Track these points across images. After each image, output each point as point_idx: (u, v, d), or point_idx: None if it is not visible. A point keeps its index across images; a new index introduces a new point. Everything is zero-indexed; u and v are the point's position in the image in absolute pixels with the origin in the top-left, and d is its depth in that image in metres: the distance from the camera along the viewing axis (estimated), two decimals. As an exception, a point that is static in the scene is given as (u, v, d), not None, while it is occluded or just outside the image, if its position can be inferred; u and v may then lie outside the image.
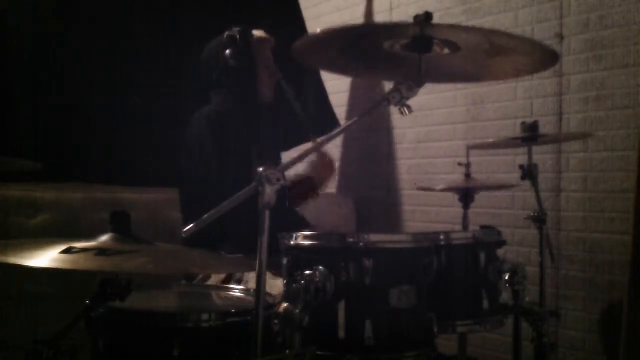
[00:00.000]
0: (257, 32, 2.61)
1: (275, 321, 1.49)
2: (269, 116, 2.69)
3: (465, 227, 2.59)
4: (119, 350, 1.52)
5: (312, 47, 1.70)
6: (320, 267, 1.62)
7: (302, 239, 1.74)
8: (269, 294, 1.66)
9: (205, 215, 1.37)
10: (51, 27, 3.21)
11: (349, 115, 4.10)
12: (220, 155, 2.41)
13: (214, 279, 2.30)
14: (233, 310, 1.53)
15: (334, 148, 4.14)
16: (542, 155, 2.94)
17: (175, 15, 3.50)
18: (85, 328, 1.45)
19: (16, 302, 2.69)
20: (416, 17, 1.48)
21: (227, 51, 2.53)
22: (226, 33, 2.57)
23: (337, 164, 2.83)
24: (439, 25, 1.54)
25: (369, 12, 4.07)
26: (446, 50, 1.63)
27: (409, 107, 1.57)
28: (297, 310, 1.51)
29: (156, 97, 3.32)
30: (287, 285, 1.58)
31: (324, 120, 3.80)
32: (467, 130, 3.46)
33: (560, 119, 3.06)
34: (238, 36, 2.54)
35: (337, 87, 4.10)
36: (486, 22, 3.32)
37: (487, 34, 1.65)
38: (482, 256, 1.91)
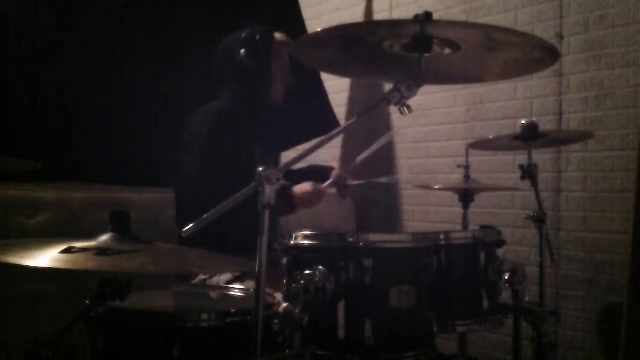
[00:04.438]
0: (278, 35, 2.55)
1: (275, 321, 1.49)
2: (277, 118, 2.63)
3: (465, 227, 2.59)
4: (119, 350, 1.52)
5: (311, 46, 1.70)
6: (320, 267, 1.62)
7: (302, 239, 1.74)
8: (269, 294, 1.66)
9: (205, 215, 1.36)
10: (51, 27, 3.21)
11: (349, 115, 4.10)
12: (222, 152, 2.33)
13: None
14: (233, 310, 1.53)
15: (334, 148, 4.14)
16: (542, 155, 2.94)
17: (176, 15, 3.50)
18: (85, 328, 1.45)
19: (16, 302, 2.69)
20: (417, 16, 1.48)
21: (243, 50, 2.45)
22: (247, 30, 2.49)
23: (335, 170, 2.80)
24: (439, 23, 1.54)
25: (369, 12, 4.06)
26: (447, 50, 1.63)
27: (409, 107, 1.58)
28: (297, 310, 1.51)
29: (156, 96, 3.32)
30: (287, 285, 1.58)
31: (324, 120, 3.79)
32: (467, 130, 3.46)
33: (560, 119, 3.06)
34: (259, 36, 2.48)
35: (337, 87, 4.10)
36: (486, 22, 3.31)
37: (487, 30, 1.64)
38: (482, 256, 1.91)
